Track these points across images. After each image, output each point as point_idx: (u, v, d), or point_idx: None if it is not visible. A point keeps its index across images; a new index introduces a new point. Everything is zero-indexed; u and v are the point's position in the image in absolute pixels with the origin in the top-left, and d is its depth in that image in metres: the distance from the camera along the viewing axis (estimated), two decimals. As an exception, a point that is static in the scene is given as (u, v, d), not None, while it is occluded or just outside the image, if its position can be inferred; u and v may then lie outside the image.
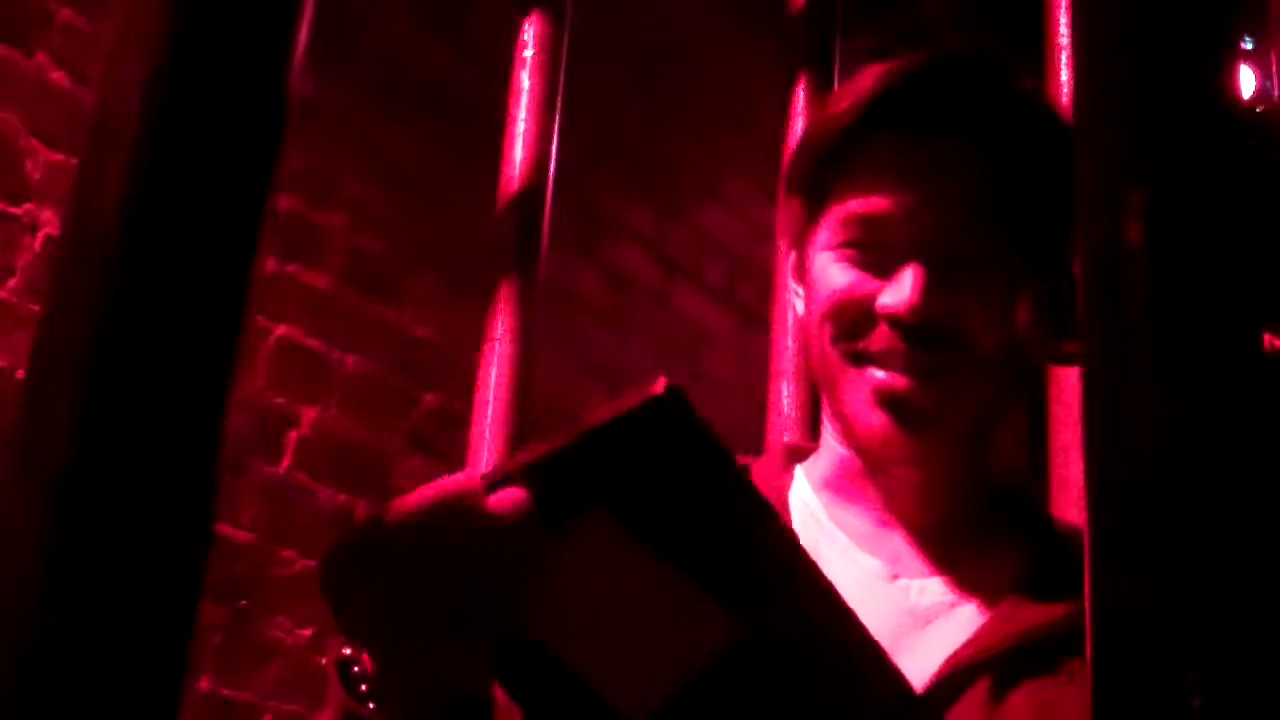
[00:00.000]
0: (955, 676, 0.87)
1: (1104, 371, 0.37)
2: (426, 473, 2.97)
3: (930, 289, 0.90)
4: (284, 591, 2.71)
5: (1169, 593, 0.34)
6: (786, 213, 1.03)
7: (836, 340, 0.94)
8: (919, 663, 0.88)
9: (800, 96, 1.39)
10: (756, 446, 1.27)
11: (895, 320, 0.90)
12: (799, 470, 1.02)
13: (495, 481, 0.67)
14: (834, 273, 0.94)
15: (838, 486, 0.99)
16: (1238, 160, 0.37)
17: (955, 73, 0.96)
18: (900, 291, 0.90)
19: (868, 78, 0.96)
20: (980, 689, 0.87)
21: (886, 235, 0.92)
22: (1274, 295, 0.38)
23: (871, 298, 0.92)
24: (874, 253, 0.92)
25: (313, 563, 2.77)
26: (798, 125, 1.37)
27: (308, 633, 2.74)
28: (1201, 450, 0.35)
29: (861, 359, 0.92)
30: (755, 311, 3.58)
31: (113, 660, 0.35)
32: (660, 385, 0.62)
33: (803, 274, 1.00)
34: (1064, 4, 1.33)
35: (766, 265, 1.39)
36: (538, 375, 1.31)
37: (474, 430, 1.25)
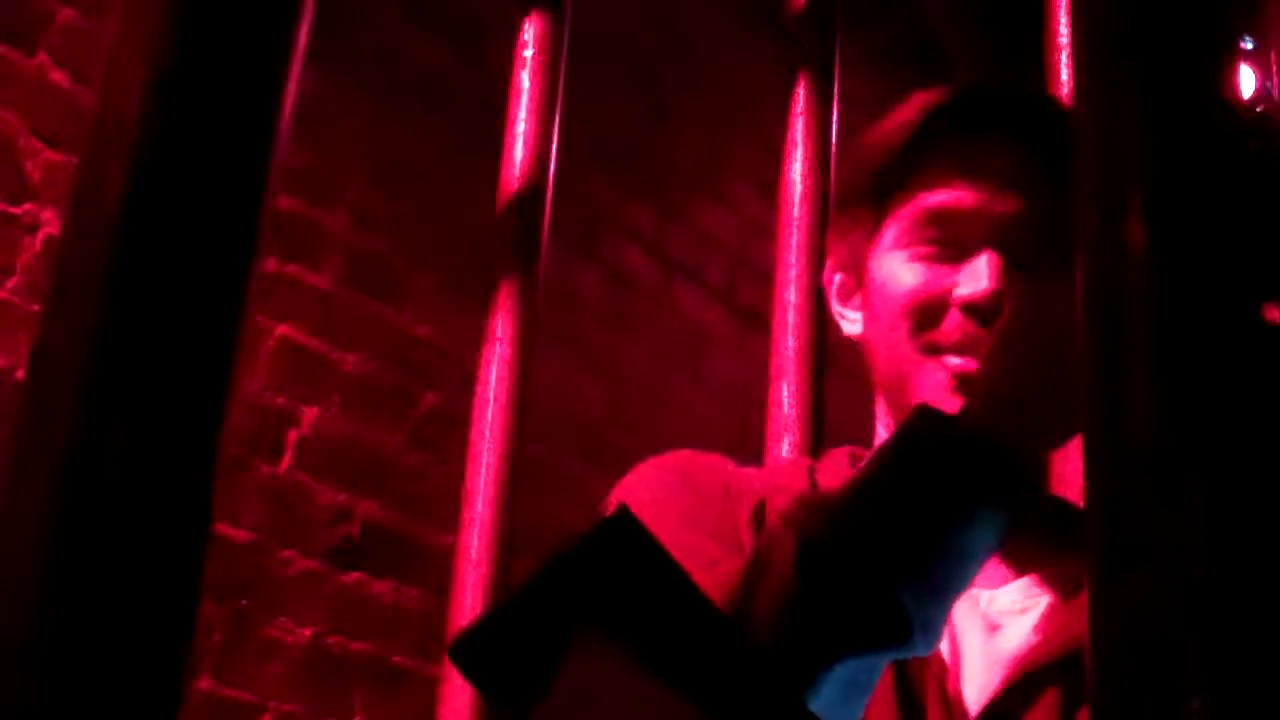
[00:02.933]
0: (1022, 685, 0.87)
1: (1104, 371, 0.37)
2: (427, 473, 2.97)
3: (1006, 276, 0.92)
4: (284, 591, 2.71)
5: (1169, 593, 0.34)
6: (839, 230, 1.05)
7: (914, 334, 0.95)
8: (989, 669, 0.88)
9: (800, 96, 1.38)
10: (757, 446, 1.27)
11: (972, 307, 0.92)
12: None
13: (479, 623, 0.69)
14: (908, 271, 0.96)
15: None
16: (1238, 160, 0.37)
17: (1006, 91, 1.03)
18: (977, 279, 0.92)
19: (927, 95, 1.02)
20: (1049, 699, 0.87)
21: (960, 229, 0.94)
22: (1274, 295, 0.38)
23: (949, 291, 0.94)
24: (948, 248, 0.94)
25: (313, 562, 2.77)
26: (798, 125, 1.37)
27: (308, 633, 2.74)
28: (1202, 450, 0.35)
29: (938, 350, 0.94)
30: (755, 311, 3.58)
31: (113, 660, 0.35)
32: (613, 511, 0.66)
33: (857, 288, 1.02)
34: (1064, 4, 1.33)
35: (766, 265, 1.38)
36: (538, 375, 1.30)
37: (474, 430, 1.25)
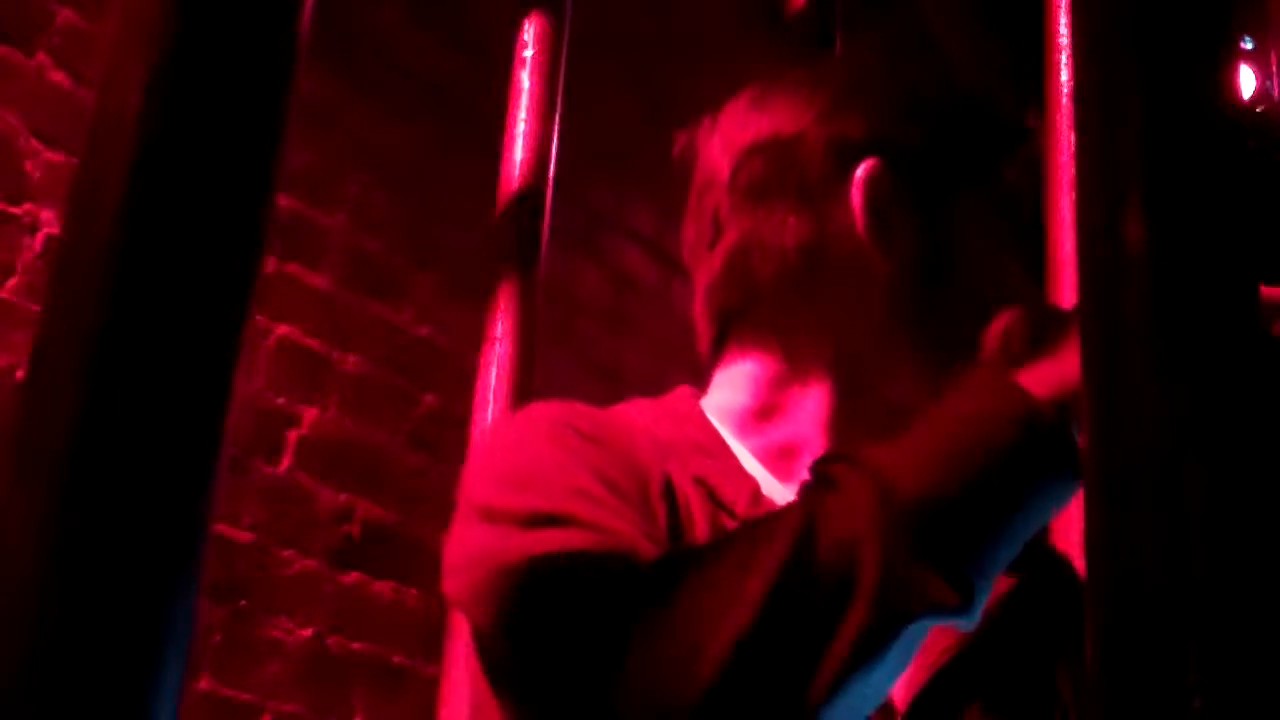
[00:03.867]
0: (939, 682, 0.87)
1: (1104, 371, 0.37)
2: (427, 473, 2.98)
3: None
4: (284, 591, 2.71)
5: (1169, 592, 0.34)
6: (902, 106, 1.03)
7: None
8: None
9: (800, 96, 1.38)
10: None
11: None
12: (723, 426, 0.99)
13: None
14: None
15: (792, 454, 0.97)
16: (1236, 160, 0.37)
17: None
18: None
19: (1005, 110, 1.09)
20: (966, 693, 0.87)
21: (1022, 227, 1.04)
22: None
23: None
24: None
25: (313, 562, 2.77)
26: (798, 125, 1.37)
27: (308, 633, 2.74)
28: (1202, 449, 0.35)
29: None
30: (755, 311, 3.57)
31: (112, 660, 0.35)
32: None
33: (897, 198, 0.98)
34: (1064, 4, 1.33)
35: (766, 265, 1.38)
36: (538, 375, 1.31)
37: (474, 430, 1.25)
